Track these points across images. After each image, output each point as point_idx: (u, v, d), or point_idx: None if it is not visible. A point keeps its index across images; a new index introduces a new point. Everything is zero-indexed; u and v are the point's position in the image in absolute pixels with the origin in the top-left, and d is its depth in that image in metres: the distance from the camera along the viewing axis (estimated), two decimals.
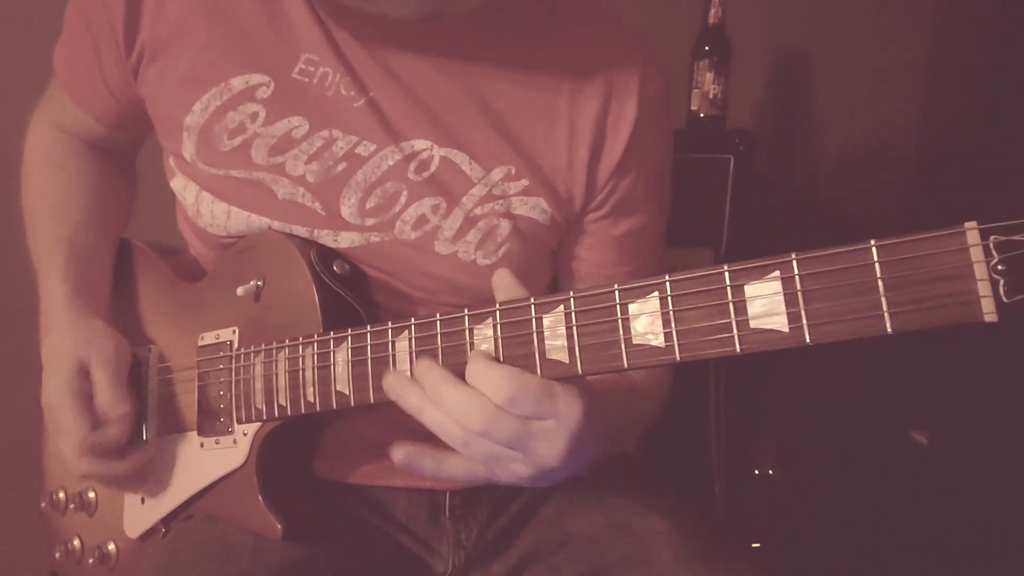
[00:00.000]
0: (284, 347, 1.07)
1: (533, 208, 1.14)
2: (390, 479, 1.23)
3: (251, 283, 1.13)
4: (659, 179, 1.22)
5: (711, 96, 2.17)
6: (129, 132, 1.29)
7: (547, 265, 1.23)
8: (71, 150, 1.31)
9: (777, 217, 2.46)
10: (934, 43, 2.57)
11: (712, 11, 2.16)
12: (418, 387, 0.90)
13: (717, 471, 2.07)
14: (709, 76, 2.16)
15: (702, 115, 2.18)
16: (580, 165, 1.14)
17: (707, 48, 2.16)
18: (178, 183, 1.17)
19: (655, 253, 1.26)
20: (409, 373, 0.94)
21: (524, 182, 1.13)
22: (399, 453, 0.95)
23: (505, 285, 0.92)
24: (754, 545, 2.24)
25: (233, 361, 1.14)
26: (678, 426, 2.01)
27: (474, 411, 0.86)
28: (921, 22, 2.57)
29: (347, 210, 1.11)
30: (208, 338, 1.18)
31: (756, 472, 2.34)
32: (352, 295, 1.09)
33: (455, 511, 1.25)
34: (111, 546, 1.29)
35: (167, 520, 1.22)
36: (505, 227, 1.14)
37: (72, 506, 1.33)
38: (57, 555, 1.35)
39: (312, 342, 1.04)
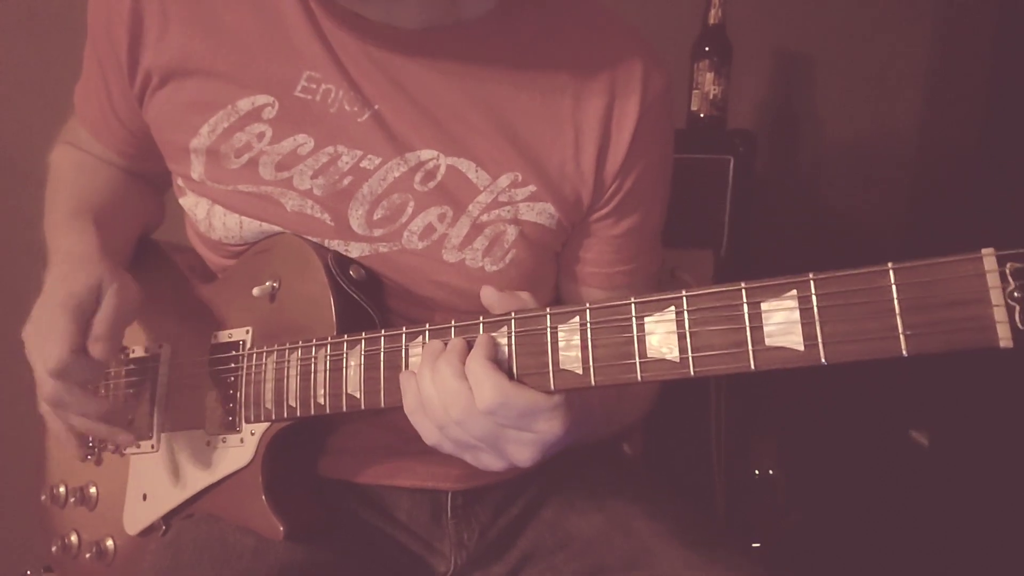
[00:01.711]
0: (297, 348, 1.08)
1: (540, 213, 1.15)
2: (393, 479, 1.24)
3: (267, 284, 1.13)
4: (660, 178, 1.23)
5: (711, 97, 2.17)
6: (147, 163, 1.27)
7: (553, 267, 1.24)
8: (99, 161, 1.31)
9: (777, 218, 2.46)
10: (933, 43, 2.57)
11: (712, 12, 2.16)
12: (439, 353, 0.93)
13: (717, 471, 2.07)
14: (709, 77, 2.16)
15: (702, 115, 2.18)
16: (588, 167, 1.15)
17: (707, 49, 2.16)
18: (188, 201, 1.18)
19: (652, 252, 1.27)
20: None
21: (531, 188, 1.14)
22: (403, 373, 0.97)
23: (495, 302, 0.95)
24: (754, 545, 2.25)
25: (245, 360, 1.15)
26: (678, 426, 2.02)
27: (459, 402, 0.89)
28: (920, 22, 2.57)
29: (355, 222, 1.12)
30: (221, 337, 1.19)
31: (756, 472, 2.34)
32: (367, 300, 1.10)
33: (457, 511, 1.26)
34: (109, 542, 1.29)
35: (168, 518, 1.23)
36: (512, 233, 1.14)
37: (72, 500, 1.34)
38: (53, 549, 1.35)
39: (325, 344, 1.04)
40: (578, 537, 1.23)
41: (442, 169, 1.12)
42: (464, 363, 0.90)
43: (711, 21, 2.17)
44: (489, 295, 0.95)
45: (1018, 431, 2.02)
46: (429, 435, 0.95)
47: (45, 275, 1.17)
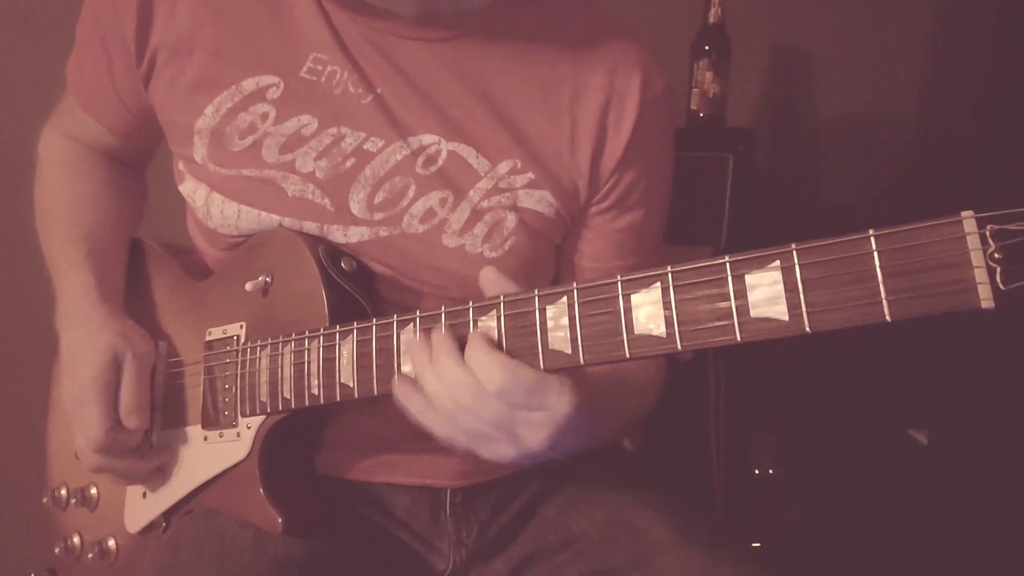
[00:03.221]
0: (290, 340, 1.08)
1: (539, 201, 1.16)
2: (391, 476, 1.23)
3: (259, 279, 1.14)
4: (660, 176, 1.24)
5: (711, 95, 2.17)
6: (140, 142, 1.30)
7: (552, 259, 1.24)
8: (83, 156, 1.32)
9: (776, 215, 2.46)
10: (932, 40, 2.57)
11: (712, 10, 2.16)
12: (427, 351, 0.93)
13: (717, 470, 2.07)
14: (709, 75, 2.16)
15: (702, 114, 2.18)
16: (583, 160, 1.16)
17: (707, 47, 2.17)
18: (187, 187, 1.18)
19: (653, 250, 1.27)
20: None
21: (530, 175, 1.14)
22: (397, 382, 0.97)
23: (492, 281, 0.95)
24: (754, 545, 2.24)
25: (239, 355, 1.15)
26: (678, 425, 2.02)
27: (466, 389, 0.88)
28: (920, 21, 2.57)
29: (356, 205, 1.13)
30: (215, 333, 1.19)
31: (756, 471, 2.34)
32: (359, 292, 1.10)
33: (456, 508, 1.25)
34: (111, 542, 1.29)
35: (168, 514, 1.23)
36: (511, 220, 1.15)
37: (74, 501, 1.34)
38: (57, 551, 1.35)
39: (318, 335, 1.05)
40: (580, 537, 1.22)
41: (443, 154, 1.13)
42: (462, 353, 0.90)
43: (710, 20, 2.18)
44: (489, 274, 0.95)
45: (1016, 429, 2.02)
46: (441, 429, 0.94)
47: (55, 318, 1.23)
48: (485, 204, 1.14)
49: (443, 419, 0.92)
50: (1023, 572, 1.99)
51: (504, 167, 1.14)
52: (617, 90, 1.16)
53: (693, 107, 2.19)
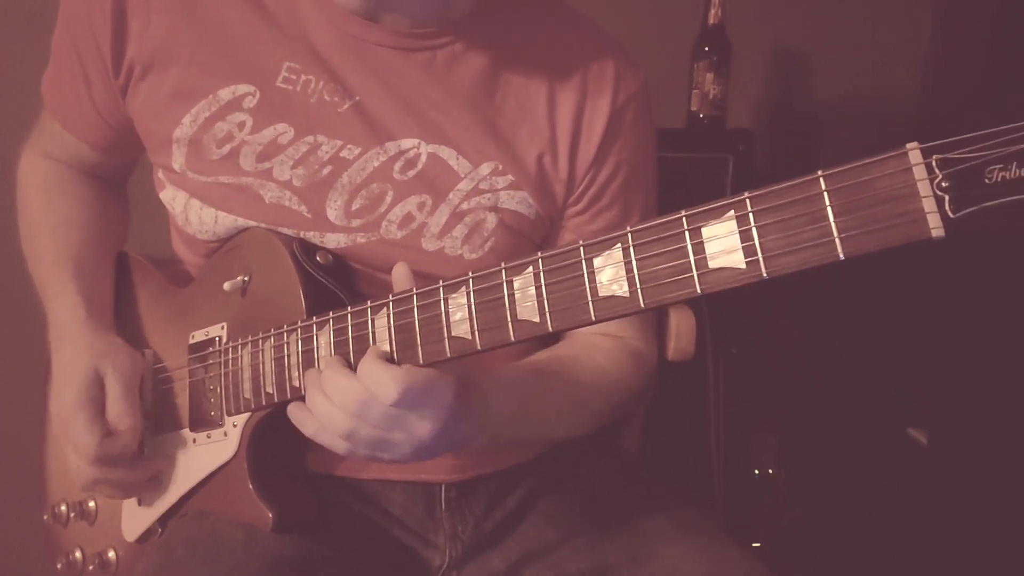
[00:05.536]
0: (269, 336, 1.08)
1: (520, 202, 1.16)
2: (385, 472, 1.22)
3: (237, 279, 1.14)
4: (638, 177, 1.24)
5: (711, 96, 2.17)
6: (120, 156, 1.31)
7: None
8: (66, 176, 1.32)
9: None
10: (932, 40, 2.57)
11: (712, 12, 2.16)
12: (317, 374, 0.99)
13: (717, 470, 2.06)
14: (709, 77, 2.16)
15: (702, 115, 2.18)
16: (562, 162, 1.17)
17: (707, 49, 2.17)
18: (167, 194, 1.19)
19: None
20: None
21: (510, 177, 1.15)
22: (292, 407, 1.02)
23: (404, 278, 0.97)
24: (754, 545, 2.23)
25: (222, 355, 1.16)
26: (678, 425, 2.01)
27: (351, 394, 0.92)
28: (920, 21, 2.58)
29: (333, 212, 1.13)
30: (198, 336, 1.20)
31: (756, 472, 2.33)
32: (336, 284, 1.10)
33: (451, 503, 1.25)
34: (111, 553, 1.29)
35: (163, 520, 1.23)
36: (491, 221, 1.15)
37: (73, 516, 1.34)
38: (59, 567, 1.35)
39: (296, 328, 1.05)
40: (580, 533, 1.22)
41: (423, 157, 1.13)
42: (349, 368, 0.95)
43: (711, 21, 2.17)
44: (400, 271, 0.98)
45: (1017, 429, 2.00)
46: (340, 447, 0.98)
47: (49, 338, 1.24)
48: (465, 206, 1.15)
49: (339, 437, 0.96)
50: (1023, 572, 1.97)
51: (485, 168, 1.15)
52: (590, 92, 1.18)
53: (693, 108, 2.19)
